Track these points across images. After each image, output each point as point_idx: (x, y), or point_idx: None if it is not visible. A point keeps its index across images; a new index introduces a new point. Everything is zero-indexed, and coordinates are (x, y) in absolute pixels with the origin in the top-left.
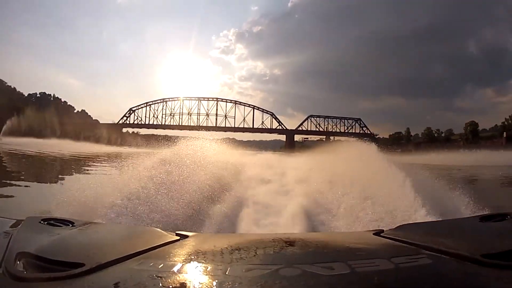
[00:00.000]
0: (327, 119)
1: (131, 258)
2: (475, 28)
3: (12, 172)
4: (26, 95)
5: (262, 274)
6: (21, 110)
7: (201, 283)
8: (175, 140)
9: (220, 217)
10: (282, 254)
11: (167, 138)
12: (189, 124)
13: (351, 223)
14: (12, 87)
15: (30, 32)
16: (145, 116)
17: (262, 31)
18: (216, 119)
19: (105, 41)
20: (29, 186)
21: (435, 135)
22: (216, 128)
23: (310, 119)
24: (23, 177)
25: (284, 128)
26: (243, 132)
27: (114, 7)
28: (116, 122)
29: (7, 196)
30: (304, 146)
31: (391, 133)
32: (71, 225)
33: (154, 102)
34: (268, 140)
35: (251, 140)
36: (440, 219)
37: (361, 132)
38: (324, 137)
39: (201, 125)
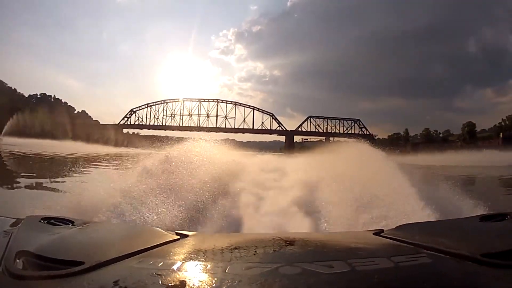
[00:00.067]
0: (326, 120)
1: (131, 256)
2: (475, 28)
3: (12, 171)
4: (26, 96)
5: (262, 272)
6: (21, 111)
7: (200, 281)
8: (176, 141)
9: (220, 217)
10: (282, 253)
11: (167, 139)
12: (189, 125)
13: (351, 222)
14: (13, 88)
15: (30, 32)
16: (146, 117)
17: (261, 30)
18: (217, 120)
19: (105, 41)
20: (29, 186)
21: (433, 135)
22: (217, 129)
23: (310, 120)
24: (23, 177)
25: (284, 129)
26: (243, 133)
27: (114, 7)
28: (117, 123)
29: (7, 195)
30: (304, 147)
31: (390, 134)
32: (71, 224)
33: (154, 103)
34: (268, 141)
35: (251, 141)
36: (440, 219)
37: (360, 132)
38: (324, 138)
39: (201, 126)
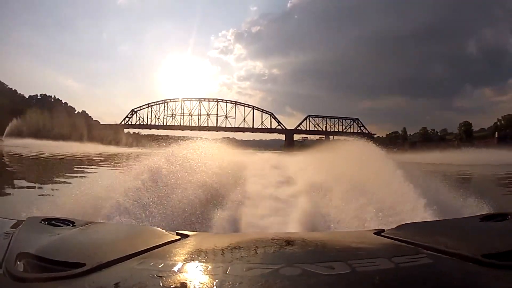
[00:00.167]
0: (325, 118)
1: (132, 257)
2: (475, 28)
3: (13, 172)
4: (27, 97)
5: (263, 274)
6: (22, 112)
7: (201, 283)
8: (177, 140)
9: (221, 217)
10: (282, 254)
11: (168, 138)
12: (190, 125)
13: (352, 222)
14: (13, 89)
15: (30, 32)
16: (147, 117)
17: (261, 31)
18: (217, 120)
19: (105, 41)
20: (30, 187)
21: (430, 134)
22: (217, 128)
23: (309, 119)
24: (24, 178)
25: (283, 128)
26: (243, 132)
27: (114, 8)
28: (119, 123)
29: (8, 196)
30: (304, 145)
31: (389, 133)
32: (72, 225)
33: (155, 103)
34: (267, 139)
35: (251, 139)
36: (441, 219)
37: (359, 131)
38: (324, 136)
39: (202, 125)
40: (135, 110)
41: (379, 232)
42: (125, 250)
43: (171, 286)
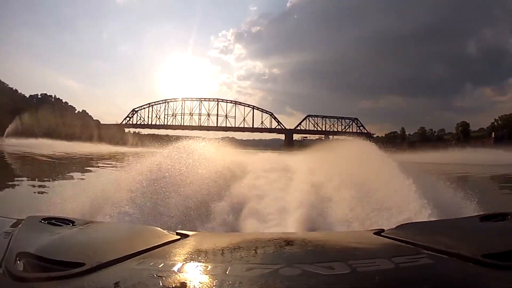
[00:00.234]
0: (325, 118)
1: (132, 257)
2: (475, 28)
3: (13, 172)
4: (27, 96)
5: (262, 274)
6: (23, 112)
7: (201, 283)
8: (177, 140)
9: (221, 216)
10: (282, 254)
11: (168, 138)
12: (190, 124)
13: (351, 222)
14: (14, 89)
15: (30, 32)
16: (148, 117)
17: (261, 31)
18: (217, 119)
19: (105, 41)
20: (30, 186)
21: (428, 134)
22: (217, 128)
23: (308, 119)
24: (24, 177)
25: (283, 127)
26: (243, 131)
27: (114, 8)
28: (120, 122)
29: (8, 196)
30: (303, 144)
31: (387, 132)
32: (71, 224)
33: (156, 103)
34: (267, 139)
35: (251, 139)
36: (441, 219)
37: (358, 131)
38: (323, 136)
39: (202, 125)
40: (136, 109)
41: (379, 232)
42: (125, 250)
43: (171, 286)
